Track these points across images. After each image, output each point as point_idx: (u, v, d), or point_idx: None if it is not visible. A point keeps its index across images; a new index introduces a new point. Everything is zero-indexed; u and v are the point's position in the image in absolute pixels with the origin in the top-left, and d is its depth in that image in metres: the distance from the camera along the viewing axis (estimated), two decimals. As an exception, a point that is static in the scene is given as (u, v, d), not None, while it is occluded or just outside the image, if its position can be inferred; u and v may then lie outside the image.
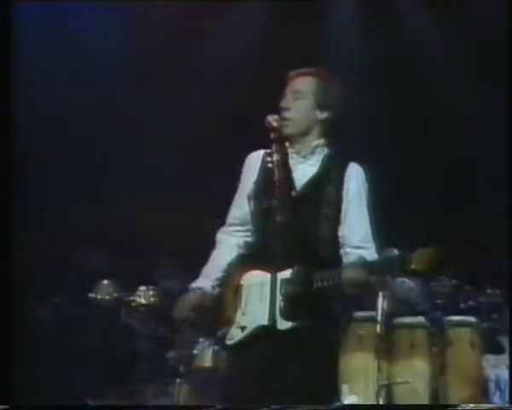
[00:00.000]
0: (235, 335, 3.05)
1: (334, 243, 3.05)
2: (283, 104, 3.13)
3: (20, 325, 4.43)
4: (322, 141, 3.15)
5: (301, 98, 3.14)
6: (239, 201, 3.23)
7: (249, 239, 3.20)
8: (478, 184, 6.95)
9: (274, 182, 3.05)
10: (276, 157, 3.08)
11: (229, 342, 3.08)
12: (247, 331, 3.02)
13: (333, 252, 3.04)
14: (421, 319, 5.23)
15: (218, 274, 3.19)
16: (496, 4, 6.34)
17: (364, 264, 2.93)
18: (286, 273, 2.98)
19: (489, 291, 5.91)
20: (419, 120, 6.98)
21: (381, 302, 5.03)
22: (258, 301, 3.02)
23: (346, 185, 3.10)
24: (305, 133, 3.14)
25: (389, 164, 6.90)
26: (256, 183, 3.15)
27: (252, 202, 3.15)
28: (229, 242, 3.23)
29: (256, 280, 3.05)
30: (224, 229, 3.28)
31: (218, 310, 3.15)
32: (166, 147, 6.70)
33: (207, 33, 6.80)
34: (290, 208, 3.00)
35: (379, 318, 5.01)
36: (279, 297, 2.96)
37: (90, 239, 6.59)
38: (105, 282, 5.92)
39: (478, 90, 6.87)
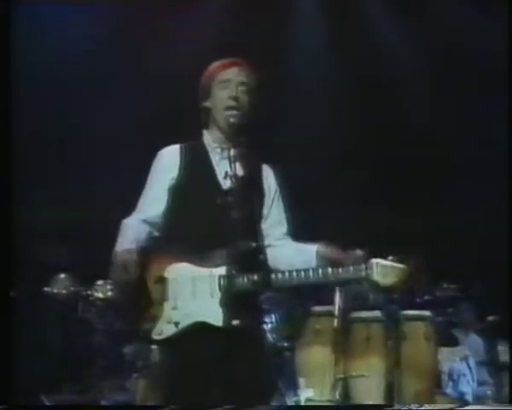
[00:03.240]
0: (165, 330, 2.92)
1: (259, 238, 3.03)
2: (231, 94, 3.02)
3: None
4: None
5: (247, 91, 3.05)
6: (155, 194, 3.07)
7: (161, 234, 3.07)
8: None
9: (199, 178, 3.01)
10: (200, 153, 3.06)
11: (157, 337, 2.94)
12: (181, 327, 2.91)
13: (259, 246, 3.01)
14: (377, 313, 5.28)
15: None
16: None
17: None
18: (221, 270, 2.91)
19: (445, 286, 6.01)
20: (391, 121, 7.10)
21: (338, 297, 5.08)
22: (191, 297, 2.92)
23: (266, 182, 3.11)
24: (240, 128, 3.03)
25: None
26: (178, 178, 3.04)
27: (172, 197, 3.04)
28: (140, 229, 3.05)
29: (185, 274, 2.95)
30: (134, 219, 3.09)
31: (137, 302, 2.98)
32: (127, 145, 6.70)
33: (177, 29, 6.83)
34: (219, 204, 2.94)
35: (336, 312, 5.06)
36: (218, 294, 2.90)
37: (48, 233, 6.55)
38: (62, 276, 5.87)
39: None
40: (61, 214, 6.69)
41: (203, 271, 2.94)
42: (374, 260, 2.90)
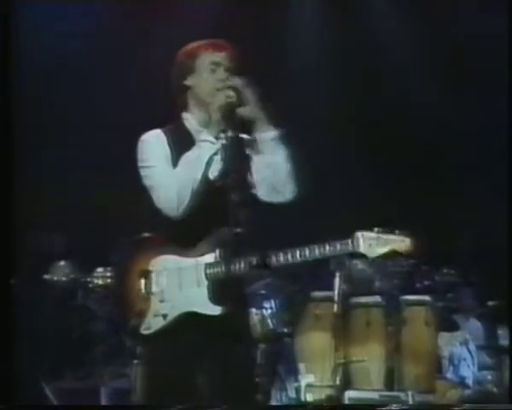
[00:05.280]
0: (154, 323, 2.87)
1: (245, 223, 2.87)
2: (220, 76, 2.97)
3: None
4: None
5: (236, 74, 2.98)
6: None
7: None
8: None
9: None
10: (184, 138, 3.00)
11: (146, 332, 2.89)
12: (169, 319, 2.87)
13: (246, 231, 2.86)
14: (377, 298, 5.29)
15: None
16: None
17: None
18: (209, 258, 2.86)
19: (444, 271, 6.01)
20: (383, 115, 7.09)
21: (337, 282, 5.08)
22: (178, 288, 2.88)
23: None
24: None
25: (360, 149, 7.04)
26: (169, 164, 2.96)
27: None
28: None
29: (170, 266, 2.90)
30: None
31: (122, 298, 2.95)
32: (126, 130, 6.70)
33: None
34: (205, 191, 2.88)
35: (336, 297, 5.07)
36: (205, 282, 2.85)
37: (47, 220, 6.54)
38: (62, 263, 5.86)
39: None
40: (61, 201, 6.68)
41: (188, 261, 2.90)
42: (359, 233, 2.82)
